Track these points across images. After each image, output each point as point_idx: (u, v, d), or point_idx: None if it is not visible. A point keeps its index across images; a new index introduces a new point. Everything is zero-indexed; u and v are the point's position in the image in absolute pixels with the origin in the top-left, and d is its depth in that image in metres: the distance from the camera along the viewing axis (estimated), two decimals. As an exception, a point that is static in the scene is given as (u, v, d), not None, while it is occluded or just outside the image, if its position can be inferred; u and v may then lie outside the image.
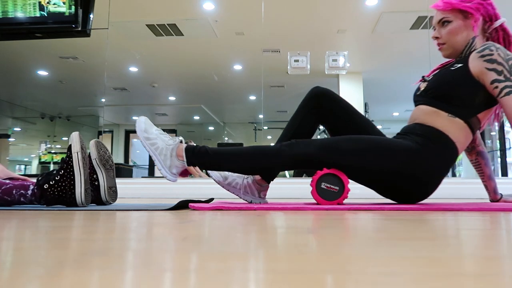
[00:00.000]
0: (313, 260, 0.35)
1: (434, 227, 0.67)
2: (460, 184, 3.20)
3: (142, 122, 1.40)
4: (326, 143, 1.36)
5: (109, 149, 1.60)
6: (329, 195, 1.37)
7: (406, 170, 1.34)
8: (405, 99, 7.09)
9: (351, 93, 5.53)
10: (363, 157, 1.34)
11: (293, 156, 1.35)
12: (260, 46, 4.89)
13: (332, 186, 1.37)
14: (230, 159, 1.37)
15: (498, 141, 6.02)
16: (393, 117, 7.69)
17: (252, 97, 6.81)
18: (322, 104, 1.50)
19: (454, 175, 6.78)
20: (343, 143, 1.36)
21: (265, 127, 6.51)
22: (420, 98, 1.47)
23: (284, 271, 0.30)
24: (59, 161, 8.06)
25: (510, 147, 5.88)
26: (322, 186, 1.37)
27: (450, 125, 1.36)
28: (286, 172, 6.18)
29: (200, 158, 1.37)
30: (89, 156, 1.48)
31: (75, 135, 1.31)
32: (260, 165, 1.38)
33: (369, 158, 1.34)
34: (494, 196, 1.67)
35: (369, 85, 5.72)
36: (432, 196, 3.04)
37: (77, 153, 1.28)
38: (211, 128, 8.51)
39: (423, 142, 1.35)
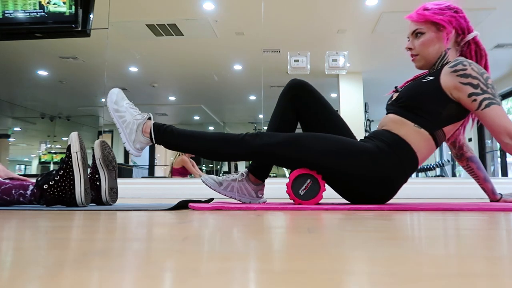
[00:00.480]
0: (313, 260, 0.35)
1: (434, 227, 0.67)
2: (460, 184, 3.21)
3: (114, 94, 1.40)
4: (290, 138, 1.37)
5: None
6: (306, 195, 1.39)
7: (364, 173, 1.36)
8: (405, 99, 7.08)
9: (351, 93, 5.54)
10: (325, 156, 1.35)
11: (255, 147, 1.35)
12: (260, 46, 4.89)
13: (307, 186, 1.38)
14: (193, 141, 1.38)
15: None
16: (393, 117, 7.68)
17: (252, 97, 6.81)
18: (299, 96, 1.49)
19: (454, 175, 6.77)
20: (308, 140, 1.37)
21: (265, 127, 6.51)
22: (390, 107, 1.49)
23: (284, 271, 0.30)
24: (59, 161, 8.07)
25: (510, 147, 5.88)
26: (298, 186, 1.39)
27: (414, 135, 1.38)
28: (286, 172, 6.17)
29: (165, 137, 1.37)
30: (93, 155, 1.48)
31: (74, 135, 1.31)
32: (222, 151, 1.38)
33: (331, 157, 1.35)
34: (494, 196, 1.67)
35: (369, 85, 5.72)
36: (432, 196, 3.05)
37: (77, 153, 1.28)
38: (211, 128, 8.51)
39: (384, 148, 1.37)
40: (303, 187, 1.39)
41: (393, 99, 1.50)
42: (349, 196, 1.46)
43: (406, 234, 0.57)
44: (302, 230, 0.61)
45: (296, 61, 4.20)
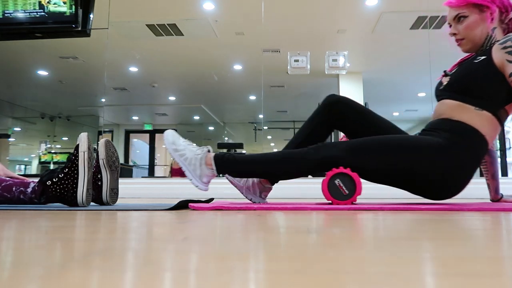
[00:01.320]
0: (313, 260, 0.35)
1: (434, 227, 0.67)
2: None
3: (170, 135, 1.42)
4: (353, 145, 1.35)
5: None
6: (339, 195, 1.36)
7: (437, 167, 1.32)
8: (405, 99, 7.10)
9: (351, 93, 5.53)
10: (392, 157, 1.33)
11: (320, 159, 1.34)
12: (260, 46, 4.89)
13: (343, 186, 1.36)
14: (257, 166, 1.39)
15: (498, 141, 6.02)
16: (393, 117, 7.69)
17: (252, 97, 6.81)
18: (336, 111, 1.49)
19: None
20: (371, 144, 1.35)
21: (265, 127, 6.52)
22: (443, 93, 1.45)
23: (284, 271, 0.30)
24: (59, 160, 8.08)
25: (510, 147, 5.89)
26: (336, 183, 1.36)
27: (478, 119, 1.34)
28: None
29: (228, 166, 1.38)
30: (97, 155, 1.49)
31: (83, 136, 1.32)
32: (288, 169, 1.38)
33: (399, 157, 1.33)
34: (495, 195, 1.66)
35: (369, 85, 5.72)
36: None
37: (84, 152, 1.29)
38: (211, 128, 8.52)
39: (452, 138, 1.34)
40: (340, 187, 1.36)
41: (444, 84, 1.46)
42: (427, 193, 1.41)
43: (406, 234, 0.57)
44: (302, 230, 0.61)
45: (296, 61, 4.20)
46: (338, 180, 1.35)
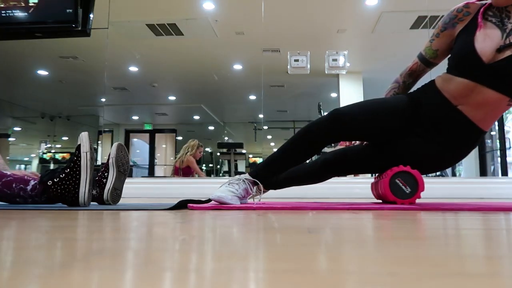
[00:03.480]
0: (313, 260, 0.35)
1: (434, 226, 0.67)
2: (460, 184, 3.21)
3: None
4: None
5: (109, 149, 1.62)
6: (402, 194, 1.35)
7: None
8: (405, 99, 7.08)
9: (351, 93, 5.53)
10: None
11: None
12: (260, 46, 4.89)
13: (406, 185, 1.35)
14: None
15: (498, 141, 6.02)
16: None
17: (252, 97, 6.81)
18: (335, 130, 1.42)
19: (454, 174, 6.77)
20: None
21: (265, 127, 6.51)
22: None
23: (284, 271, 0.30)
24: (59, 160, 8.07)
25: (510, 147, 5.88)
26: (397, 182, 1.35)
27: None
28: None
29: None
30: (109, 154, 1.51)
31: (84, 135, 1.31)
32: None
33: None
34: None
35: (369, 85, 5.72)
36: (432, 196, 3.04)
37: (86, 153, 1.29)
38: (211, 127, 8.51)
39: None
40: (403, 186, 1.35)
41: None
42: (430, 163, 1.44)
43: (406, 234, 0.57)
44: (302, 230, 0.61)
45: (296, 60, 4.20)
46: (400, 178, 1.35)
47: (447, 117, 1.36)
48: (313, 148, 1.41)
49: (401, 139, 1.42)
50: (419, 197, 1.35)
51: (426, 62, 1.50)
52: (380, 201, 1.51)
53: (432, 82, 1.43)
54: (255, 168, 1.43)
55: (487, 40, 1.28)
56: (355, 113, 1.38)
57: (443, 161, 1.42)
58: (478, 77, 1.28)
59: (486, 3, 1.34)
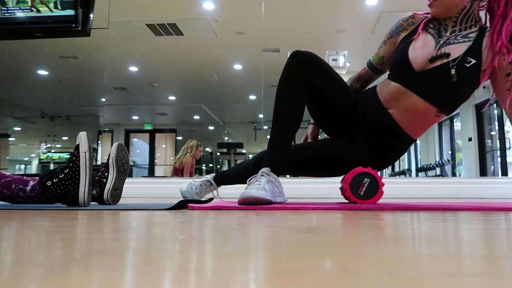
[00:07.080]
0: (313, 260, 0.35)
1: (434, 226, 0.67)
2: (460, 184, 3.21)
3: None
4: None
5: (109, 149, 1.63)
6: (366, 195, 1.36)
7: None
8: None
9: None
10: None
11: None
12: (260, 46, 4.89)
13: (364, 185, 1.36)
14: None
15: (498, 141, 6.02)
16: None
17: (252, 97, 6.81)
18: (307, 73, 1.38)
19: (454, 174, 6.77)
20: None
21: (265, 127, 6.50)
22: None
23: (284, 271, 0.30)
24: (59, 160, 8.07)
25: (510, 147, 5.88)
26: (356, 186, 1.36)
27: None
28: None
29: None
30: (109, 154, 1.52)
31: (83, 135, 1.31)
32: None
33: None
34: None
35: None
36: (432, 195, 3.04)
37: (85, 153, 1.28)
38: (211, 127, 8.51)
39: None
40: (362, 187, 1.36)
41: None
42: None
43: (406, 233, 0.57)
44: (302, 230, 0.61)
45: (296, 60, 4.20)
46: (367, 179, 1.36)
47: (379, 120, 1.40)
48: (295, 97, 1.38)
49: (336, 136, 1.48)
50: (382, 194, 1.37)
51: (373, 68, 1.54)
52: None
53: (375, 86, 1.48)
54: (267, 159, 1.39)
55: (423, 49, 1.35)
56: (318, 59, 1.41)
57: (371, 164, 1.42)
58: (408, 83, 1.35)
59: (430, 16, 1.42)
